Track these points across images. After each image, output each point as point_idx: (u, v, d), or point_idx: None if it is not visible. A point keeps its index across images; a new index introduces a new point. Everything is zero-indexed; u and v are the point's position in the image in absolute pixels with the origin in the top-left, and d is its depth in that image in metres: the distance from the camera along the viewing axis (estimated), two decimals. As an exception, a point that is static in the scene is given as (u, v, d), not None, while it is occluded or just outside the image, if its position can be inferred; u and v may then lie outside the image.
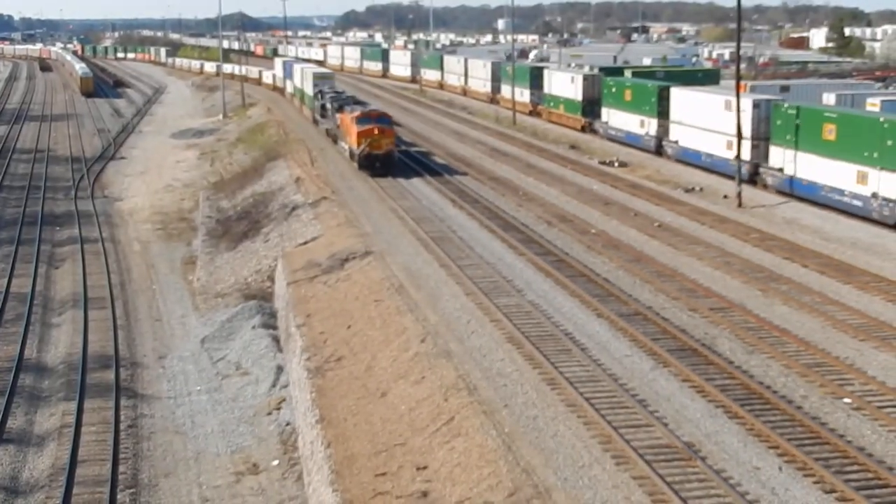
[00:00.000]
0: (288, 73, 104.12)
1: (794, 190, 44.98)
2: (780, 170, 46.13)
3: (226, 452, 28.54)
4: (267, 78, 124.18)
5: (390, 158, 54.76)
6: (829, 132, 42.31)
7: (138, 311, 42.48)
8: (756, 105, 47.92)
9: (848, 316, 28.34)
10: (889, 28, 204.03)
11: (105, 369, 34.71)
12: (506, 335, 27.43)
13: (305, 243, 43.47)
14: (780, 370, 24.33)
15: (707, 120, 52.68)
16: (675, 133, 56.95)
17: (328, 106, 67.97)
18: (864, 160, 39.98)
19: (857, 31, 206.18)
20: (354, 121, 55.19)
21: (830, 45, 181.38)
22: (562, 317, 28.94)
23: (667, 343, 26.32)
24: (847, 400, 22.38)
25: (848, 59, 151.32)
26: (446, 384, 24.44)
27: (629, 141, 62.91)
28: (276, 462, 27.46)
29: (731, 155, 48.77)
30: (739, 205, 44.41)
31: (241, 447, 28.72)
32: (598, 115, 68.88)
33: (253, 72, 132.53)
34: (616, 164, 57.26)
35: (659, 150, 59.03)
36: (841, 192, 41.58)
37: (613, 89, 66.20)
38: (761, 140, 47.76)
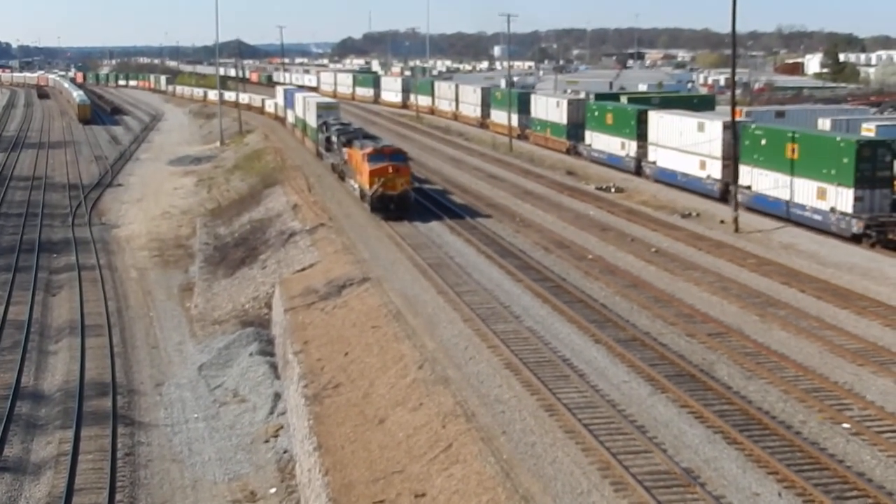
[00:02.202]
0: (289, 103, 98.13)
1: (760, 206, 46.81)
2: (748, 187, 47.82)
3: (223, 480, 28.43)
4: (269, 107, 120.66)
5: (406, 200, 49.72)
6: (792, 151, 44.35)
7: (135, 339, 42.41)
8: (726, 126, 49.78)
9: (846, 341, 28.35)
10: (883, 54, 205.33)
11: (102, 397, 34.61)
12: (503, 361, 27.40)
13: (303, 270, 43.47)
14: (778, 395, 24.31)
15: (682, 141, 55.15)
16: (653, 154, 59.47)
17: (334, 139, 63.24)
18: (822, 177, 42.59)
19: (852, 57, 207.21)
20: (366, 158, 50.11)
21: (825, 70, 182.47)
22: (559, 343, 28.92)
23: (665, 369, 26.30)
24: (846, 425, 22.36)
25: (843, 85, 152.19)
26: (444, 411, 24.39)
27: (611, 162, 65.32)
28: (273, 490, 27.34)
29: (704, 174, 52.28)
30: (736, 230, 44.53)
31: (239, 475, 28.62)
32: (583, 139, 70.97)
33: (255, 100, 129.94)
34: (613, 190, 57.44)
35: (638, 171, 61.48)
36: (803, 207, 44.01)
37: (596, 113, 68.72)
38: (731, 160, 49.25)
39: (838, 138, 43.13)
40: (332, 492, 22.57)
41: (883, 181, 41.24)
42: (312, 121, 76.01)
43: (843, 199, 41.43)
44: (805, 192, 43.74)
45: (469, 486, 20.54)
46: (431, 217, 50.17)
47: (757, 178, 47.19)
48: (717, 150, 50.88)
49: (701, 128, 53.04)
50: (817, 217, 43.04)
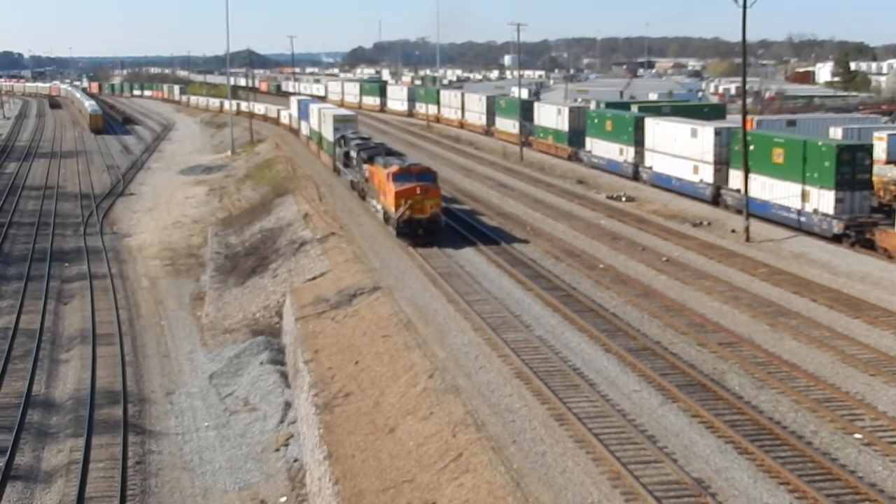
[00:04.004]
0: (303, 114, 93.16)
1: (749, 208, 47.53)
2: (738, 191, 49.12)
3: (234, 489, 28.44)
4: (284, 118, 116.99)
5: (436, 224, 45.30)
6: (778, 156, 46.31)
7: (146, 347, 42.50)
8: (718, 133, 52.80)
9: (858, 351, 28.26)
10: (894, 62, 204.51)
11: (113, 405, 34.68)
12: (514, 371, 27.39)
13: (313, 279, 43.53)
14: (789, 405, 24.24)
15: (676, 147, 57.19)
16: (649, 160, 61.37)
17: (353, 155, 58.89)
18: (806, 180, 44.60)
19: (863, 66, 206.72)
20: (391, 178, 45.79)
21: (836, 79, 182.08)
22: (570, 352, 28.90)
23: (675, 378, 26.25)
24: (858, 435, 22.28)
25: (854, 94, 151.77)
26: (454, 420, 24.37)
27: (610, 168, 67.19)
28: (283, 499, 27.35)
29: (697, 178, 54.65)
30: (747, 239, 44.48)
31: (249, 484, 28.63)
32: (584, 145, 72.74)
33: (271, 111, 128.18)
34: (623, 199, 57.44)
35: (636, 176, 63.21)
36: (788, 209, 45.96)
37: (596, 120, 70.79)
38: (723, 164, 52.18)
39: (820, 143, 44.98)
40: (342, 501, 22.57)
41: (862, 183, 43.42)
42: (329, 134, 72.15)
43: (824, 200, 43.54)
44: (790, 194, 45.70)
45: (479, 496, 20.51)
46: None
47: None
48: (710, 154, 53.05)
49: (694, 134, 55.23)
50: (802, 218, 45.05)
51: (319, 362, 32.50)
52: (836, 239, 42.79)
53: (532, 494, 20.02)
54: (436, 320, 33.07)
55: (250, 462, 30.01)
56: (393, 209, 45.61)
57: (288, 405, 32.95)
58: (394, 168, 46.42)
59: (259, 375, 36.03)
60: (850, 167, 43.07)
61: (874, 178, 47.79)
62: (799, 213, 45.19)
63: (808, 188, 44.53)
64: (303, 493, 27.10)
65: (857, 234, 42.11)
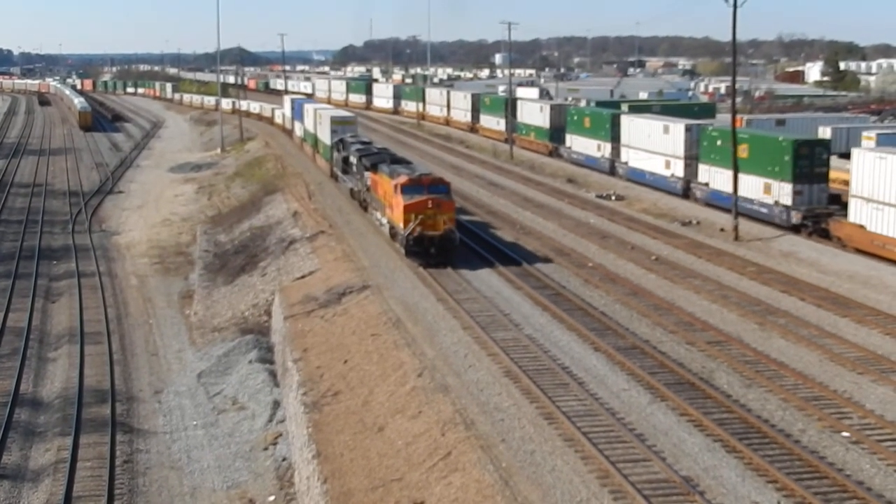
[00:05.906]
0: (297, 114, 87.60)
1: (717, 201, 50.35)
2: (706, 184, 52.01)
3: (222, 488, 28.37)
4: (279, 117, 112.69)
5: (450, 241, 40.53)
6: (743, 151, 47.60)
7: (135, 346, 42.38)
8: (688, 129, 54.91)
9: (846, 349, 28.33)
10: (884, 62, 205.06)
11: (101, 404, 34.58)
12: (503, 369, 27.37)
13: (303, 277, 43.45)
14: (777, 404, 24.28)
15: (650, 143, 59.18)
16: (625, 155, 63.28)
17: (354, 161, 54.07)
18: (768, 173, 46.76)
19: (852, 65, 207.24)
20: (399, 189, 41.07)
21: (826, 78, 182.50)
22: (559, 350, 28.89)
23: (664, 377, 26.27)
24: (846, 434, 22.33)
25: (843, 93, 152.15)
26: (443, 419, 24.35)
27: (588, 164, 69.10)
28: (272, 498, 27.30)
29: (669, 173, 56.88)
30: (736, 238, 44.58)
31: (238, 483, 28.57)
32: (564, 141, 74.74)
33: (266, 109, 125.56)
34: (613, 198, 57.53)
35: (612, 171, 65.06)
36: (751, 201, 47.49)
37: (575, 117, 72.87)
38: (692, 159, 54.05)
39: (780, 138, 47.12)
40: (330, 500, 22.54)
41: (820, 176, 45.44)
42: (326, 137, 67.02)
43: (784, 193, 45.57)
44: (753, 187, 47.34)
45: (468, 495, 20.49)
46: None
47: (714, 176, 51.19)
48: (680, 149, 55.32)
49: (666, 130, 57.19)
50: (763, 210, 47.10)
51: (308, 361, 32.45)
52: (795, 229, 44.83)
53: (521, 493, 20.01)
54: (425, 319, 33.03)
55: (239, 461, 29.95)
56: (401, 225, 40.99)
57: (276, 404, 32.89)
58: (402, 178, 41.69)
59: (248, 374, 35.96)
60: (809, 161, 45.05)
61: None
62: (761, 204, 46.99)
63: (769, 181, 46.42)
64: (291, 492, 27.05)
65: (814, 224, 44.04)
